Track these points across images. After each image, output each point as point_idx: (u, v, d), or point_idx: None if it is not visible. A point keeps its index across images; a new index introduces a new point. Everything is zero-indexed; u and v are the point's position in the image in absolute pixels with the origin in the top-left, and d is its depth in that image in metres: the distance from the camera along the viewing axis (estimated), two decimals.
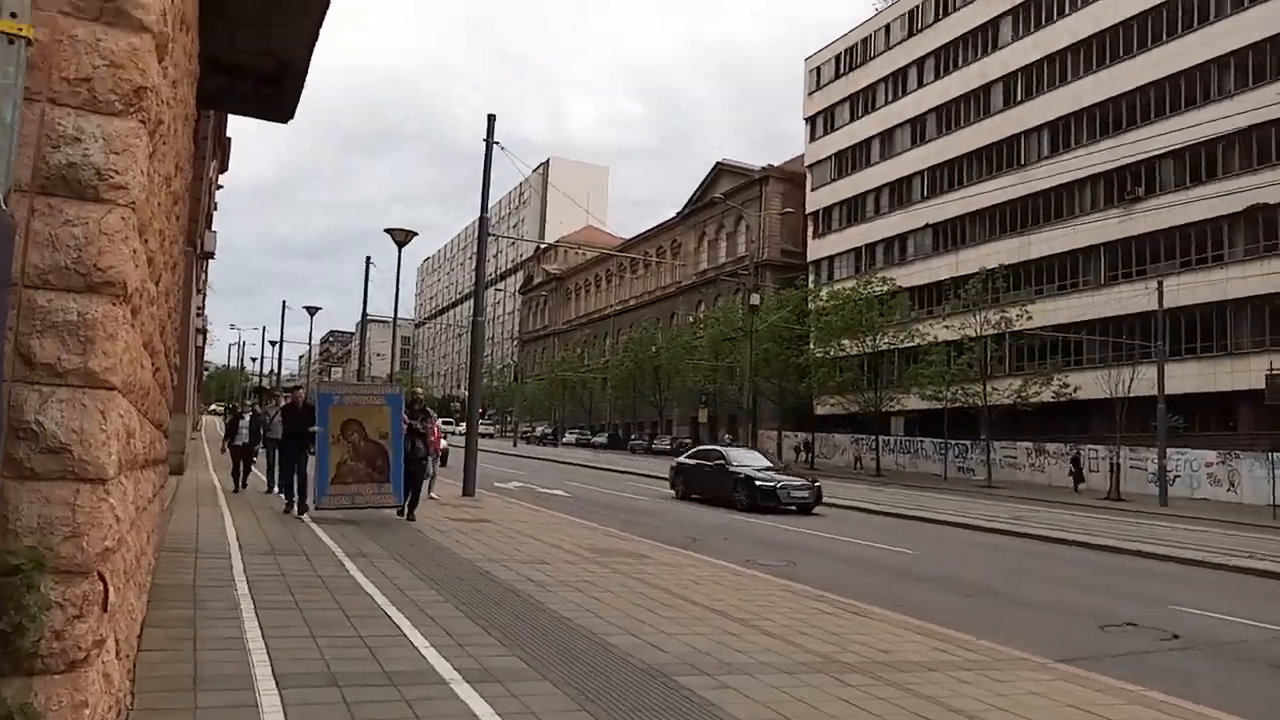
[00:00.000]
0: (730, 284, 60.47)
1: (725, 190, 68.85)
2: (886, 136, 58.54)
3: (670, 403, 69.05)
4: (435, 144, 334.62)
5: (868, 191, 59.42)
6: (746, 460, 22.51)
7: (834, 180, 62.53)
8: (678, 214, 79.24)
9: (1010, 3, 49.75)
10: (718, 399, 60.95)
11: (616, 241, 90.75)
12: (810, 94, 66.19)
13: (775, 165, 68.60)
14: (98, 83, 2.96)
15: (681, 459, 25.03)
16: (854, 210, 60.61)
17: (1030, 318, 41.63)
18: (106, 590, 3.01)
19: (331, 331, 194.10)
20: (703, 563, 11.48)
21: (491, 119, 21.05)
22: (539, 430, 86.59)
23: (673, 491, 23.98)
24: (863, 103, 61.02)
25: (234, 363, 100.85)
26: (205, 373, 69.66)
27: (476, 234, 22.38)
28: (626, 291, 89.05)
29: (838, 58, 63.78)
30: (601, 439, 75.12)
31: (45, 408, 2.82)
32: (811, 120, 65.72)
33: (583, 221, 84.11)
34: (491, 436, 78.22)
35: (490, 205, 22.10)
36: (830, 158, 63.18)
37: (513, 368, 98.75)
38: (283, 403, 17.06)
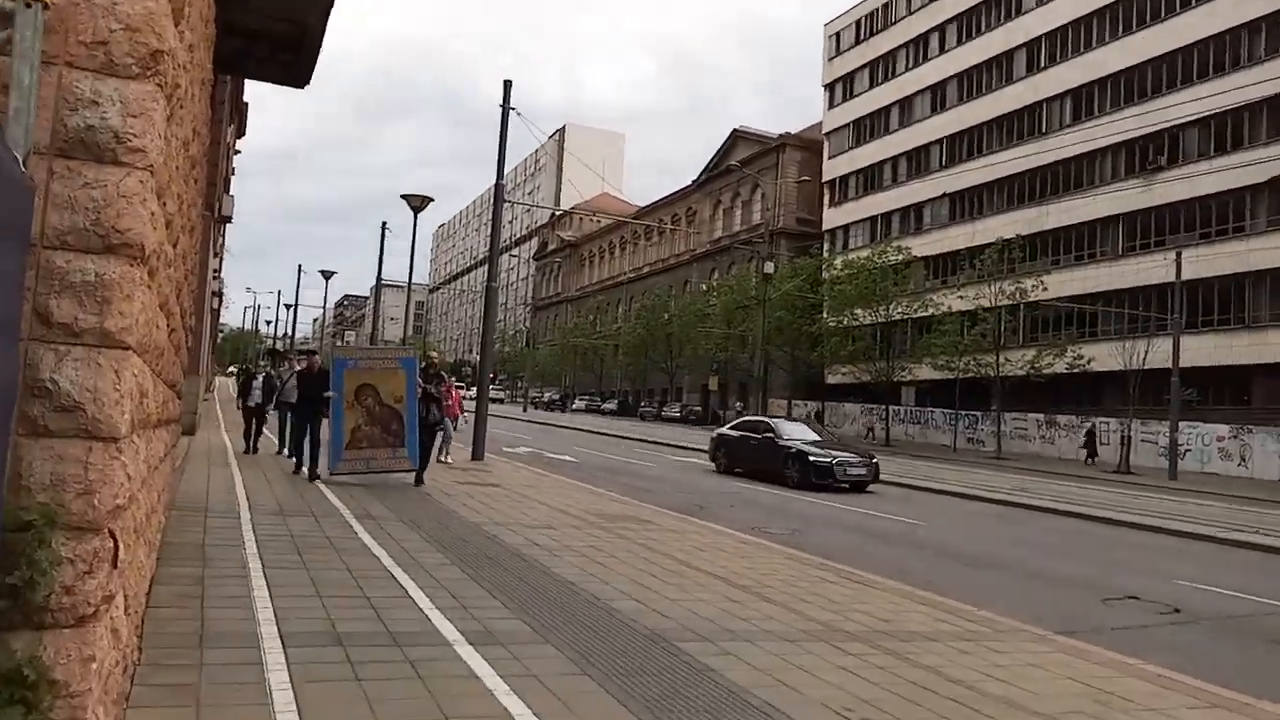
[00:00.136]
0: (744, 252, 60.24)
1: (742, 158, 68.33)
2: (905, 104, 57.86)
3: (681, 370, 69.07)
4: (452, 109, 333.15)
5: (885, 160, 58.85)
6: (796, 433, 21.12)
7: (851, 148, 61.95)
8: (693, 181, 78.75)
9: None
10: (729, 367, 60.99)
11: (631, 208, 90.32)
12: (829, 60, 65.41)
13: (792, 133, 67.96)
14: (114, 46, 2.98)
15: (723, 430, 23.95)
16: (871, 179, 60.10)
17: (1045, 288, 41.36)
18: (117, 547, 3.07)
19: (346, 295, 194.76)
20: (708, 529, 11.58)
21: (508, 85, 20.92)
22: (547, 396, 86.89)
23: (713, 465, 22.78)
24: (882, 69, 60.27)
25: (249, 325, 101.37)
26: (220, 335, 69.97)
27: (491, 200, 22.32)
28: (640, 259, 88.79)
29: (858, 23, 62.95)
30: (611, 405, 75.35)
31: (61, 366, 2.87)
32: (830, 87, 65.00)
33: (598, 188, 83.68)
34: (502, 401, 78.53)
35: (506, 171, 22.02)
36: (848, 125, 62.53)
37: (525, 333, 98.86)
38: (297, 366, 17.12)
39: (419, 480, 13.81)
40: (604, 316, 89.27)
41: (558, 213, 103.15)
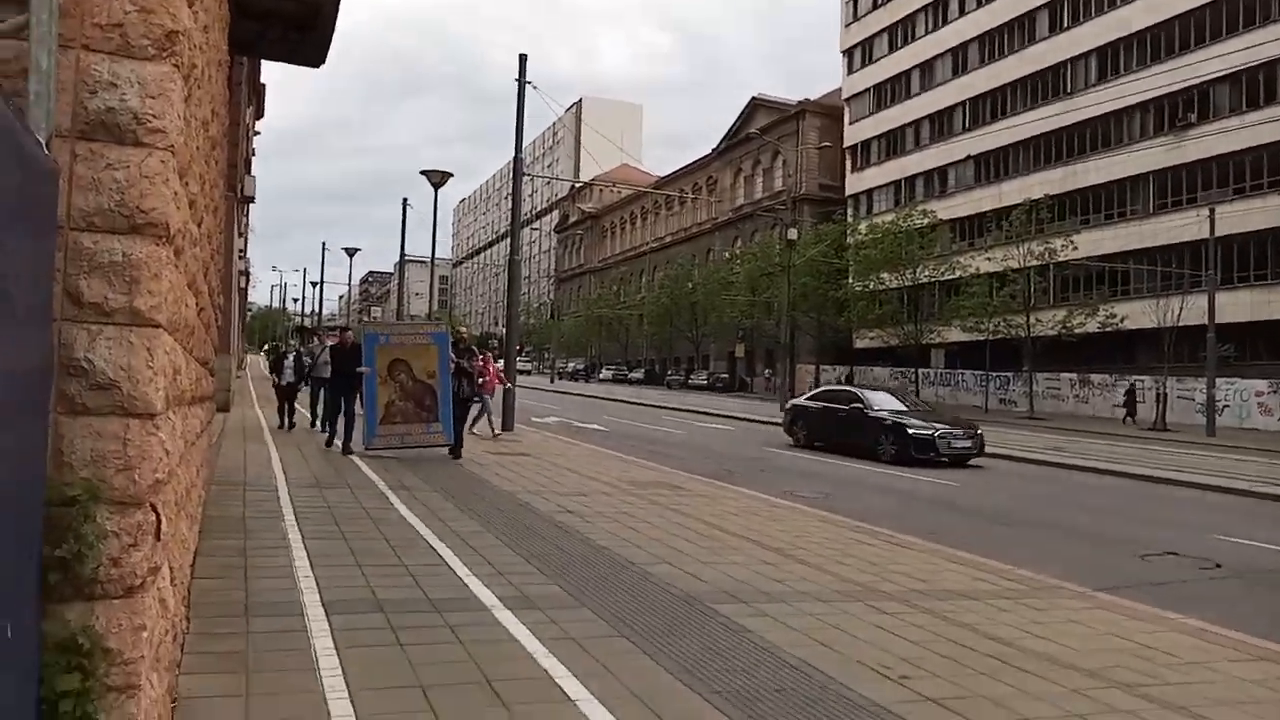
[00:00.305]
0: (767, 219, 59.82)
1: (761, 125, 67.68)
2: (927, 67, 57.01)
3: (707, 338, 69.05)
4: (467, 87, 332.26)
5: (907, 124, 58.13)
6: (885, 402, 19.44)
7: (873, 113, 61.21)
8: (713, 150, 78.12)
9: None
10: (755, 334, 60.83)
11: (651, 179, 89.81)
12: (847, 25, 64.54)
13: (812, 99, 67.19)
14: (130, 28, 2.98)
15: (800, 400, 22.32)
16: (893, 143, 59.41)
17: (1075, 248, 40.79)
18: (159, 520, 3.12)
19: (370, 272, 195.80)
20: (739, 493, 11.59)
21: (523, 59, 20.87)
22: (570, 366, 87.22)
23: (789, 438, 20.97)
24: (902, 33, 59.39)
25: (276, 304, 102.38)
26: (249, 313, 70.67)
27: (511, 174, 22.28)
28: (662, 229, 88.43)
29: None
30: (638, 375, 75.56)
31: (94, 345, 2.90)
32: (849, 52, 64.15)
33: (617, 160, 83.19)
34: (529, 373, 79.06)
35: (524, 146, 21.96)
36: (869, 90, 61.75)
37: (549, 305, 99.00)
38: (329, 342, 17.25)
39: (456, 454, 13.83)
40: (627, 287, 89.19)
41: (578, 185, 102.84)
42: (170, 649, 3.80)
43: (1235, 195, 38.28)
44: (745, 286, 57.53)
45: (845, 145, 62.64)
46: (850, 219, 58.71)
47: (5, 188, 2.17)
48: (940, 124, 55.65)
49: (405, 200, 38.86)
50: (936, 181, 55.54)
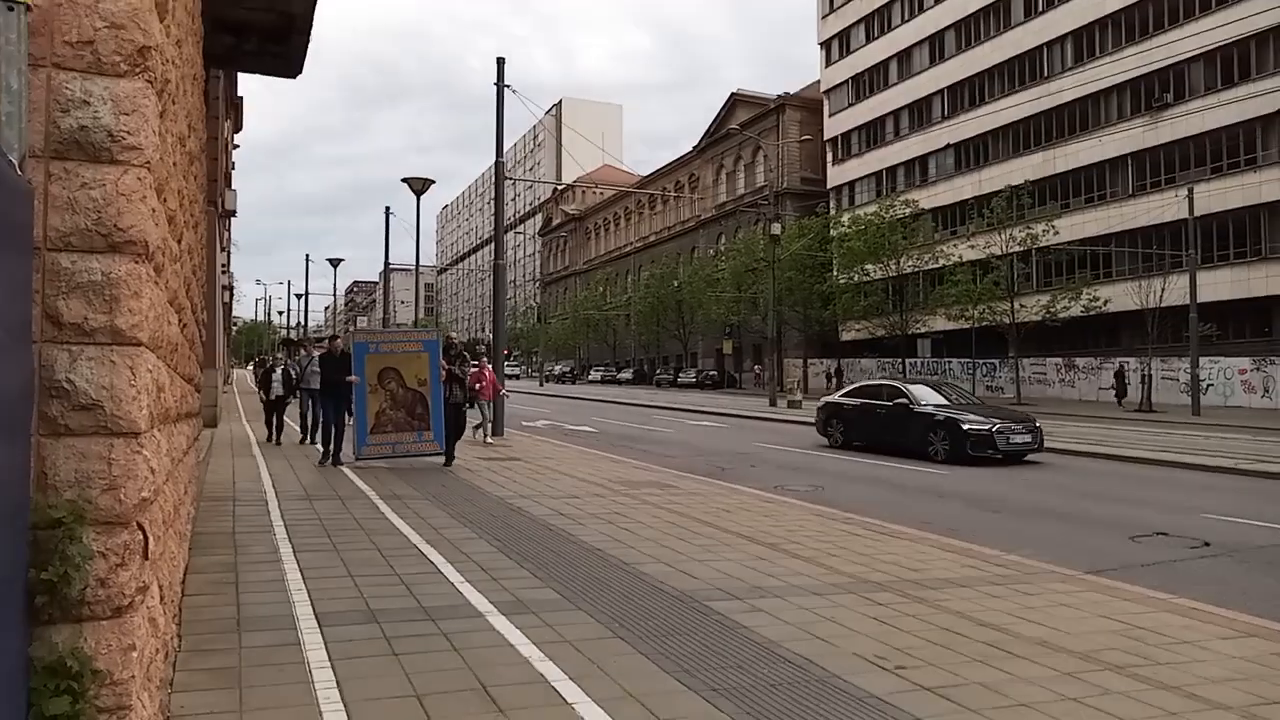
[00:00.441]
0: (750, 215, 59.93)
1: (742, 121, 67.74)
2: (904, 56, 57.10)
3: (694, 336, 69.12)
4: (446, 92, 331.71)
5: (887, 114, 58.20)
6: (929, 397, 17.91)
7: (852, 104, 61.29)
8: (694, 147, 78.11)
9: None
10: (742, 330, 60.93)
11: (633, 179, 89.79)
12: (824, 17, 64.59)
13: (791, 93, 67.30)
14: (100, 45, 2.97)
15: (834, 397, 20.63)
16: (873, 134, 59.51)
17: (1057, 232, 41.00)
18: (146, 539, 3.11)
19: (355, 281, 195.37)
20: (730, 490, 11.61)
21: (501, 62, 20.84)
22: (559, 369, 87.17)
23: (824, 439, 19.49)
24: (878, 23, 59.46)
25: (261, 317, 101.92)
26: (234, 328, 70.33)
27: (493, 179, 22.24)
28: (646, 228, 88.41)
29: None
30: (627, 375, 75.53)
31: (75, 366, 2.89)
32: (826, 44, 64.21)
33: (599, 161, 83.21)
34: (517, 377, 78.96)
35: (505, 149, 21.91)
36: (847, 82, 61.83)
37: (535, 309, 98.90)
38: (316, 352, 17.10)
39: (448, 461, 13.76)
40: (613, 287, 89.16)
41: (560, 187, 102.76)
42: (161, 667, 3.78)
43: (1213, 174, 38.51)
44: (731, 283, 57.61)
45: (826, 138, 62.72)
46: (833, 211, 58.81)
47: None
48: (919, 113, 55.79)
49: (388, 209, 38.83)
50: (917, 171, 55.67)
